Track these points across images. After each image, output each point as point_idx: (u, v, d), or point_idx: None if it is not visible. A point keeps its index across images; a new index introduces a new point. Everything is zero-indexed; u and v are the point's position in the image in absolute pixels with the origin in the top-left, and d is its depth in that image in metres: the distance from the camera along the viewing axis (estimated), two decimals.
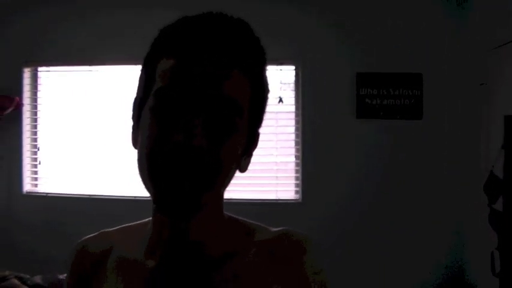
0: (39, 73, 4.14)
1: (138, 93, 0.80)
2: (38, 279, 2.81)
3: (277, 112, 3.80)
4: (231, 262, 0.79)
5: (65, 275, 2.75)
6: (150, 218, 0.83)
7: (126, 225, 0.90)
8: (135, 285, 0.79)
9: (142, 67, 0.79)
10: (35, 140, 4.14)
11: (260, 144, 0.84)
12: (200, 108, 0.68)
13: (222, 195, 0.82)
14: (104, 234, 0.90)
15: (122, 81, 3.96)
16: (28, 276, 2.79)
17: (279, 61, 3.73)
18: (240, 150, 0.76)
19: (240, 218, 0.87)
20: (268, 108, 0.83)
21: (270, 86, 0.82)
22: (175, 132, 0.67)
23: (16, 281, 2.59)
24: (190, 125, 0.67)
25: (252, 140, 0.80)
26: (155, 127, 0.70)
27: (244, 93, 0.73)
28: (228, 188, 0.79)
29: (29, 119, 4.12)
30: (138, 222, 0.89)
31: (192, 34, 0.72)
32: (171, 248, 0.79)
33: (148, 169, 0.70)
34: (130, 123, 0.81)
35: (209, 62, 0.70)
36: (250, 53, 0.75)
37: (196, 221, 0.76)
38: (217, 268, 0.78)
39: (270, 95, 0.82)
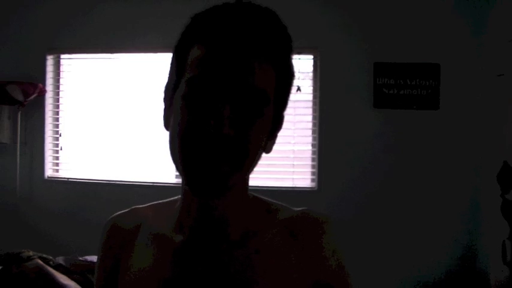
0: (61, 60, 4.21)
1: (170, 79, 0.83)
2: (60, 260, 2.89)
3: (295, 101, 3.81)
4: (252, 239, 0.82)
5: (85, 257, 2.84)
6: (179, 196, 0.87)
7: (157, 202, 0.94)
8: (164, 259, 0.83)
9: (173, 54, 0.82)
10: (57, 126, 4.22)
11: None
12: (229, 97, 0.72)
13: (248, 176, 0.85)
14: (135, 210, 0.93)
15: (143, 68, 4.01)
16: (51, 257, 2.87)
17: (298, 50, 3.71)
18: (265, 134, 0.79)
19: (263, 197, 0.90)
20: None
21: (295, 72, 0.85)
22: (205, 120, 0.71)
23: (40, 261, 2.67)
24: (220, 114, 0.71)
25: (277, 123, 0.83)
26: (187, 114, 0.74)
27: (271, 81, 0.76)
28: None
29: (51, 106, 4.20)
30: (168, 199, 0.93)
31: (222, 23, 0.75)
32: (199, 224, 0.83)
33: (180, 154, 0.75)
34: (162, 106, 0.85)
35: (239, 52, 0.73)
36: (278, 41, 0.77)
37: (222, 200, 0.81)
38: (240, 244, 0.82)
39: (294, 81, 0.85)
